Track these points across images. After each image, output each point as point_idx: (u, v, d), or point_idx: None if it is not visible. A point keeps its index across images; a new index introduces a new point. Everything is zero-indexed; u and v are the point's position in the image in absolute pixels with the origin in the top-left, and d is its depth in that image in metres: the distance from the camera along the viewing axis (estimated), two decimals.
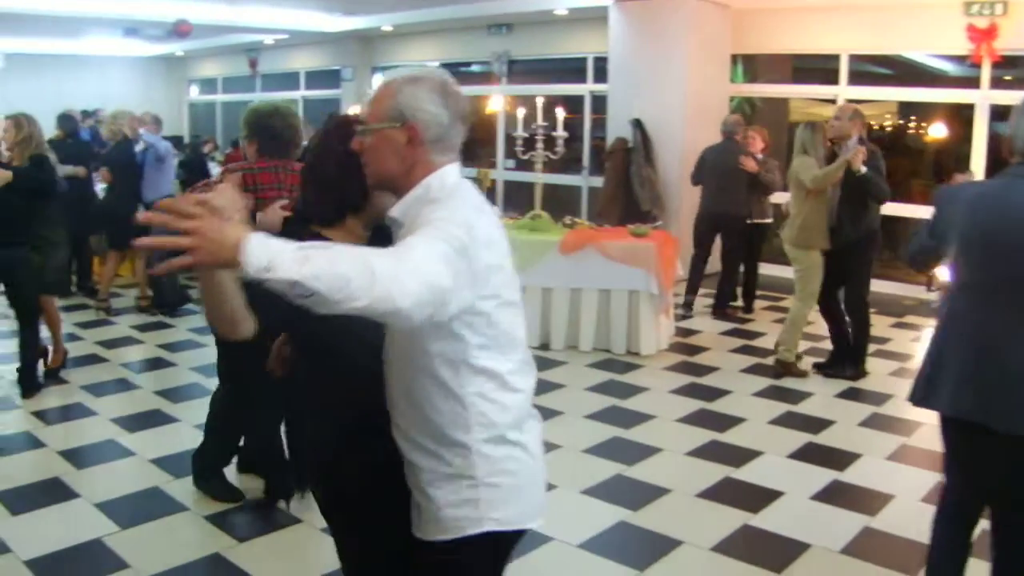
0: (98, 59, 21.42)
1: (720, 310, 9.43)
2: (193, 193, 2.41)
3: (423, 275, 1.91)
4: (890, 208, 9.81)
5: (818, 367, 7.44)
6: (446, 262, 1.98)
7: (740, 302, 9.63)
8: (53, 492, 5.04)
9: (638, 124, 11.16)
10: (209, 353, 7.36)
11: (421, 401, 2.26)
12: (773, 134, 10.15)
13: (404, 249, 1.99)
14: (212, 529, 4.67)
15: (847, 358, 7.32)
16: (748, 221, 9.18)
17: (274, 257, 1.78)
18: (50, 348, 7.13)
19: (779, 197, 8.99)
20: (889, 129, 12.22)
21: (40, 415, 6.33)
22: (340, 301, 1.81)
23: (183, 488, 5.12)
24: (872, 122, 11.93)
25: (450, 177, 2.29)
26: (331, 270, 1.79)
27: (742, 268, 9.51)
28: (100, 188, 9.75)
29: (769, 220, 9.34)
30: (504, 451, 2.30)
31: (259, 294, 1.91)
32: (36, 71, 20.06)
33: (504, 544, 2.41)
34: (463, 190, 2.28)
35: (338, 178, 2.48)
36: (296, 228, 2.44)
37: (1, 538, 4.51)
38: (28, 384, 6.71)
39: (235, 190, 1.99)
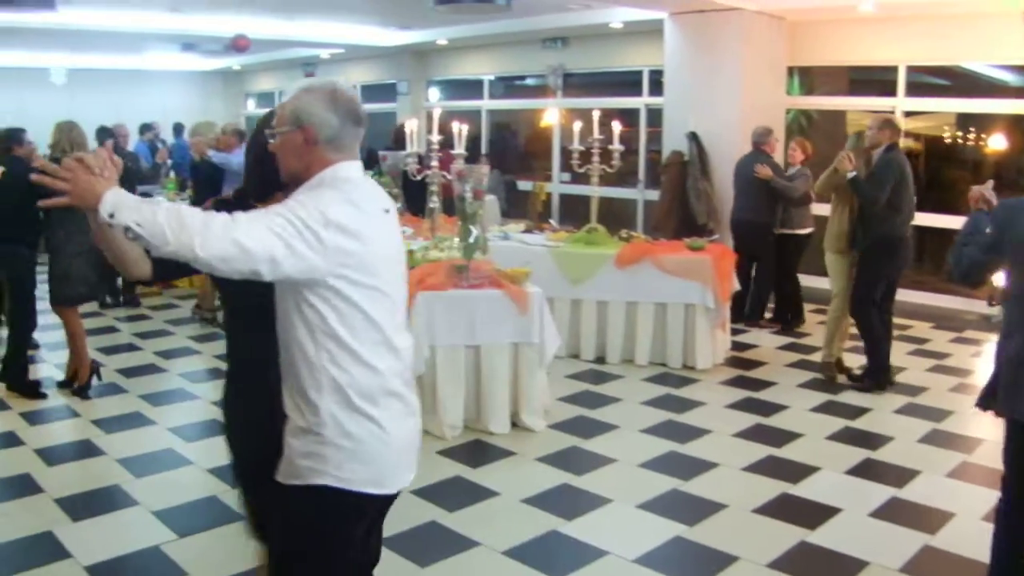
0: (157, 74, 21.80)
1: (751, 321, 9.38)
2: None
3: (232, 235, 2.32)
4: (946, 220, 9.77)
5: (850, 378, 7.46)
6: (273, 232, 2.37)
7: (779, 314, 9.55)
8: (112, 499, 5.14)
9: (694, 137, 11.12)
10: None
11: (289, 360, 2.63)
12: (829, 147, 10.05)
13: (235, 216, 2.37)
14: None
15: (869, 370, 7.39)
16: (779, 231, 9.14)
17: (119, 206, 2.27)
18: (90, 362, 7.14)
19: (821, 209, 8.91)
20: (947, 141, 12.06)
21: (99, 423, 6.45)
22: (156, 245, 2.28)
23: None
24: (930, 133, 11.81)
25: (341, 171, 2.63)
26: (152, 219, 2.26)
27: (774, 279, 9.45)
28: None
29: (807, 231, 9.26)
30: (352, 418, 2.58)
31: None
32: (97, 86, 20.43)
33: (349, 503, 2.64)
34: (347, 183, 2.61)
35: (255, 165, 2.97)
36: (240, 202, 2.93)
37: (62, 544, 4.60)
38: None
39: (108, 155, 2.40)
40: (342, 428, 2.57)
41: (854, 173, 6.96)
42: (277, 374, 2.71)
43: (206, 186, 9.08)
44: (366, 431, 2.59)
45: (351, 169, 2.66)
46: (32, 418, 6.55)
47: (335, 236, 2.44)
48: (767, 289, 9.48)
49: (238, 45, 14.49)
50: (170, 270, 2.73)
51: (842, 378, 7.44)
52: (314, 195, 2.53)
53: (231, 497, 5.18)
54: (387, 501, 2.78)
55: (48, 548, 4.57)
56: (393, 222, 2.75)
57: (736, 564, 4.43)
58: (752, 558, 4.48)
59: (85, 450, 5.96)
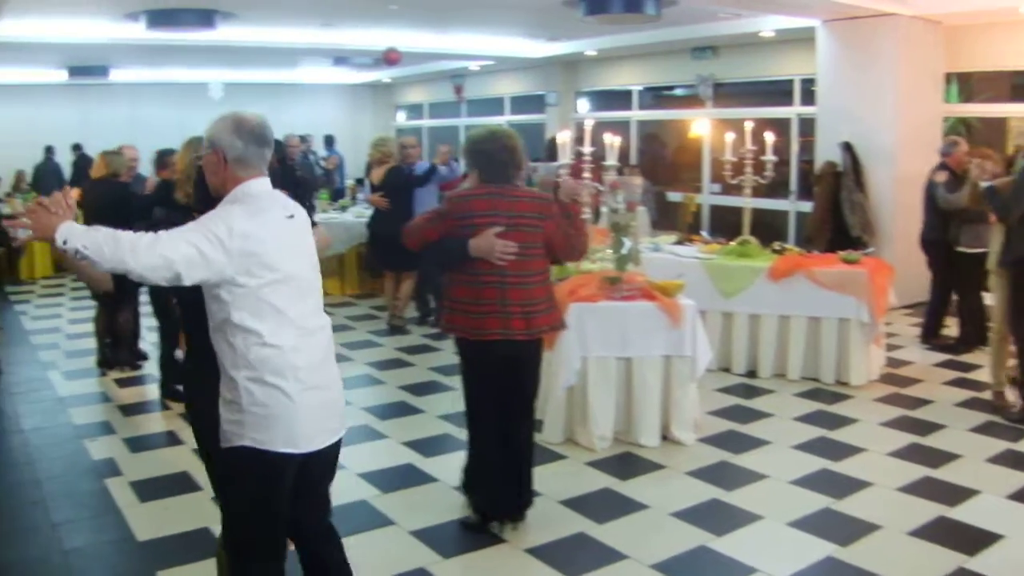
0: (309, 87, 22.46)
1: (925, 338, 9.11)
2: None
3: (157, 249, 2.92)
4: None
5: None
6: (189, 243, 2.97)
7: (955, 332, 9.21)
8: None
9: (847, 147, 10.91)
10: (415, 373, 7.65)
11: (216, 344, 3.20)
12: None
13: (159, 234, 2.98)
14: (417, 544, 4.83)
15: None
16: (957, 248, 8.70)
17: (70, 235, 2.85)
18: None
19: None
20: None
21: None
22: (99, 262, 2.88)
23: (390, 502, 5.33)
24: None
25: (251, 188, 3.21)
26: (96, 242, 2.86)
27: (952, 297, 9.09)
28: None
29: (979, 250, 8.74)
30: (262, 389, 3.13)
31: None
32: (252, 100, 21.08)
33: (267, 461, 3.18)
34: (252, 198, 3.19)
35: (199, 182, 3.46)
36: (183, 214, 3.44)
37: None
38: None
39: (67, 199, 2.98)
40: (254, 398, 3.12)
41: (989, 183, 6.65)
42: None
43: (398, 194, 9.50)
44: (275, 400, 3.13)
45: (257, 185, 3.24)
46: None
47: (239, 242, 3.03)
48: (941, 308, 9.16)
49: (389, 58, 14.83)
50: (126, 284, 3.39)
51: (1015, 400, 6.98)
52: (224, 210, 3.13)
53: (383, 502, 5.34)
54: (307, 461, 3.28)
55: (204, 543, 4.78)
56: (297, 224, 3.33)
57: None
58: None
59: None
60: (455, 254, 4.59)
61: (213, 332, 3.20)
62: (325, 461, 3.44)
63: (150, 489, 5.59)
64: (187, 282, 2.99)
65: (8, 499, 5.48)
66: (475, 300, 4.62)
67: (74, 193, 6.76)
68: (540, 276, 4.73)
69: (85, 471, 5.94)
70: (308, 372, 3.21)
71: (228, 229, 3.03)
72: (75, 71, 17.64)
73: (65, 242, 2.85)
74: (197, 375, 3.41)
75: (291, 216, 3.30)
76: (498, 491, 4.87)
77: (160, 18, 11.35)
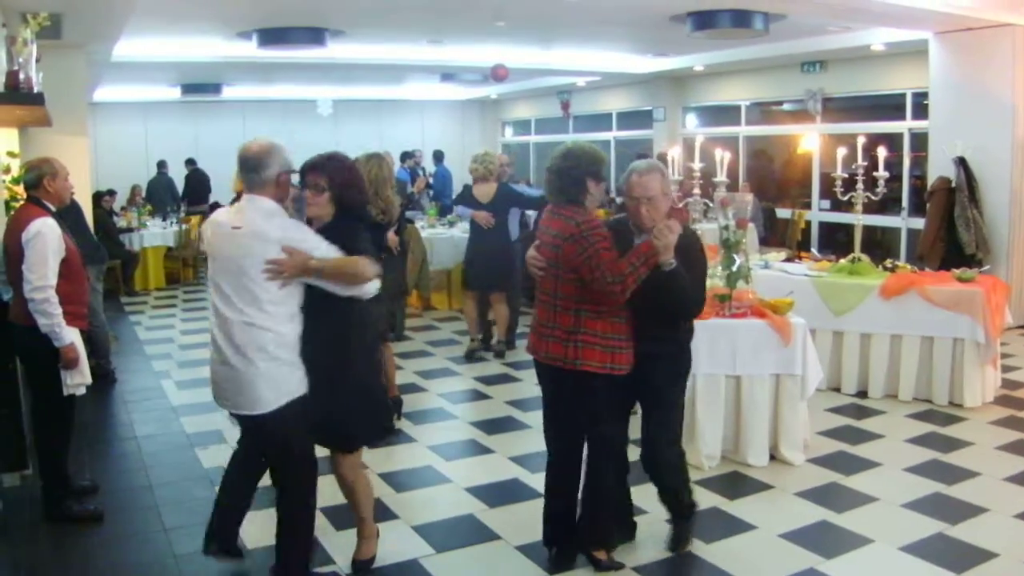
0: (417, 103, 22.75)
1: None
2: None
3: None
4: None
5: None
6: None
7: None
8: (376, 512, 5.34)
9: (961, 162, 10.67)
10: (522, 388, 7.71)
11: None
12: None
13: None
14: (523, 559, 4.88)
15: None
16: None
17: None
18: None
19: None
20: None
21: None
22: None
23: (497, 517, 5.40)
24: None
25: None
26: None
27: None
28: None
29: None
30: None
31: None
32: (360, 116, 21.53)
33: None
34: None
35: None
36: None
37: (327, 551, 4.96)
38: None
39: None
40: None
41: None
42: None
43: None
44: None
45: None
46: None
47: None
48: None
49: (497, 74, 14.96)
50: None
51: None
52: None
53: (489, 516, 5.39)
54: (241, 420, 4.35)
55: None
56: (236, 234, 4.08)
57: None
58: None
59: None
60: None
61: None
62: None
63: (260, 498, 5.69)
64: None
65: (122, 504, 5.67)
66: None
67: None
68: (572, 303, 4.53)
69: (197, 478, 6.12)
70: (213, 349, 4.29)
71: None
72: (188, 88, 18.24)
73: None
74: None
75: (236, 227, 4.11)
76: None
77: (271, 36, 11.65)
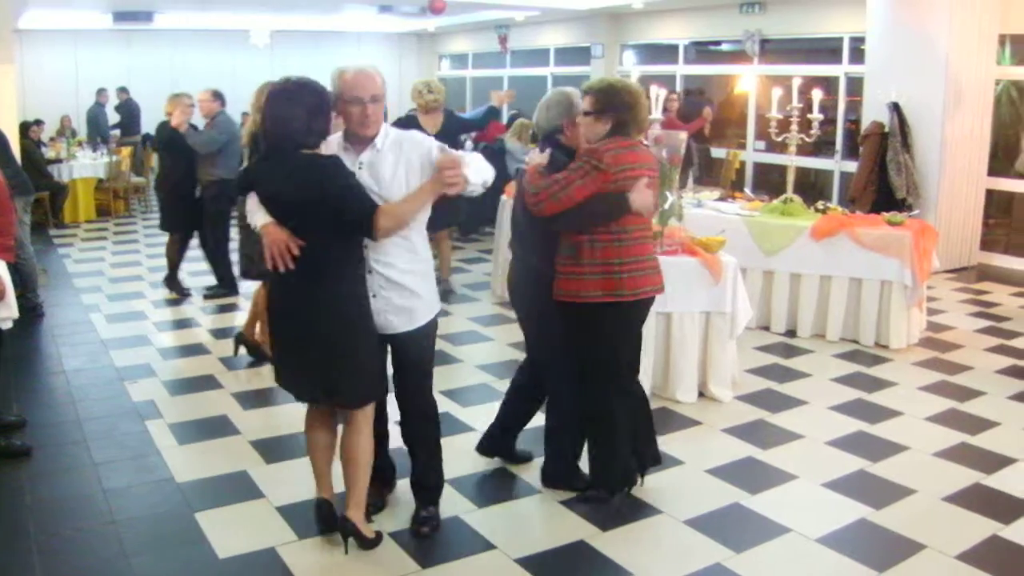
0: (354, 35, 22.41)
1: None
2: None
3: None
4: None
5: None
6: None
7: None
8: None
9: (895, 107, 10.74)
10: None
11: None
12: None
13: None
14: (568, 514, 4.73)
15: None
16: None
17: None
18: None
19: None
20: None
21: None
22: None
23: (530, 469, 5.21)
24: None
25: None
26: None
27: None
28: None
29: None
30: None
31: None
32: (296, 47, 21.15)
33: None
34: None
35: None
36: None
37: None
38: None
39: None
40: None
41: None
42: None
43: None
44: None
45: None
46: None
47: None
48: None
49: (434, 7, 14.72)
50: None
51: None
52: None
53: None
54: None
55: (242, 485, 4.92)
56: None
57: (922, 553, 4.32)
58: (940, 548, 4.36)
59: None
60: (613, 212, 4.36)
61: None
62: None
63: (189, 432, 5.67)
64: None
65: (51, 438, 5.56)
66: (634, 258, 4.46)
67: None
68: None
69: (126, 413, 6.02)
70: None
71: None
72: (120, 16, 17.72)
73: None
74: None
75: None
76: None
77: None
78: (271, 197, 3.91)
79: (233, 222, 7.93)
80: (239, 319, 7.99)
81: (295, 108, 3.79)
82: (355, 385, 4.03)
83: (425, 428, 4.41)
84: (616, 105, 4.41)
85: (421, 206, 3.94)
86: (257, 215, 3.95)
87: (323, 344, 3.93)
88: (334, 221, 3.78)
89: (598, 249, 4.39)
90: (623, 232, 4.41)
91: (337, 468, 4.24)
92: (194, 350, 7.42)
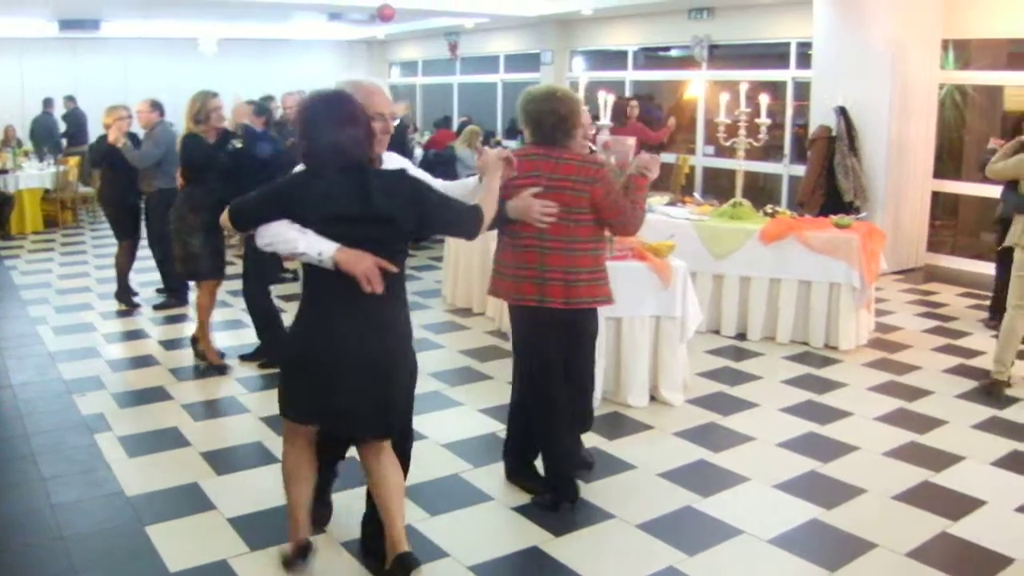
0: (303, 43, 22.31)
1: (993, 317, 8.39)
2: None
3: None
4: None
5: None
6: None
7: None
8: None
9: (842, 112, 10.86)
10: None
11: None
12: (986, 124, 9.68)
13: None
14: (522, 520, 4.71)
15: None
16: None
17: None
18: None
19: None
20: None
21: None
22: None
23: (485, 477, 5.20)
24: None
25: None
26: None
27: None
28: None
29: None
30: None
31: None
32: (244, 56, 21.01)
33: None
34: None
35: None
36: None
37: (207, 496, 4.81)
38: None
39: None
40: None
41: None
42: None
43: None
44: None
45: None
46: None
47: None
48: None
49: (383, 15, 14.70)
50: None
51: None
52: None
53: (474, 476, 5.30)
54: None
55: (193, 498, 4.86)
56: None
57: (874, 551, 4.36)
58: (890, 546, 4.40)
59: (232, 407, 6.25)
60: (498, 216, 4.28)
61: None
62: None
63: (139, 444, 5.59)
64: None
65: None
66: (515, 264, 4.54)
67: None
68: (586, 244, 4.54)
69: (74, 426, 5.91)
70: None
71: None
72: (66, 24, 17.45)
73: None
74: None
75: None
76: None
77: None
78: (340, 217, 3.49)
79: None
80: (188, 329, 7.90)
81: (350, 125, 3.52)
82: (403, 412, 3.88)
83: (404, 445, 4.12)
84: (523, 114, 4.59)
85: (495, 201, 4.00)
86: (313, 242, 3.47)
87: (384, 369, 3.65)
88: (407, 236, 3.68)
89: (501, 251, 4.67)
90: (516, 237, 4.53)
91: None
92: (143, 361, 7.32)
